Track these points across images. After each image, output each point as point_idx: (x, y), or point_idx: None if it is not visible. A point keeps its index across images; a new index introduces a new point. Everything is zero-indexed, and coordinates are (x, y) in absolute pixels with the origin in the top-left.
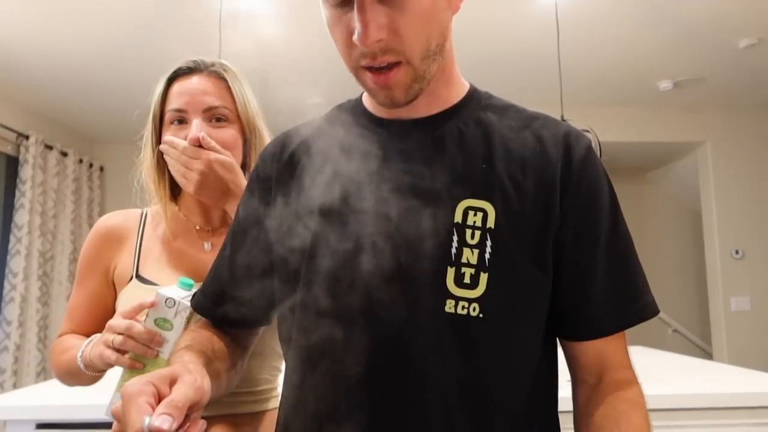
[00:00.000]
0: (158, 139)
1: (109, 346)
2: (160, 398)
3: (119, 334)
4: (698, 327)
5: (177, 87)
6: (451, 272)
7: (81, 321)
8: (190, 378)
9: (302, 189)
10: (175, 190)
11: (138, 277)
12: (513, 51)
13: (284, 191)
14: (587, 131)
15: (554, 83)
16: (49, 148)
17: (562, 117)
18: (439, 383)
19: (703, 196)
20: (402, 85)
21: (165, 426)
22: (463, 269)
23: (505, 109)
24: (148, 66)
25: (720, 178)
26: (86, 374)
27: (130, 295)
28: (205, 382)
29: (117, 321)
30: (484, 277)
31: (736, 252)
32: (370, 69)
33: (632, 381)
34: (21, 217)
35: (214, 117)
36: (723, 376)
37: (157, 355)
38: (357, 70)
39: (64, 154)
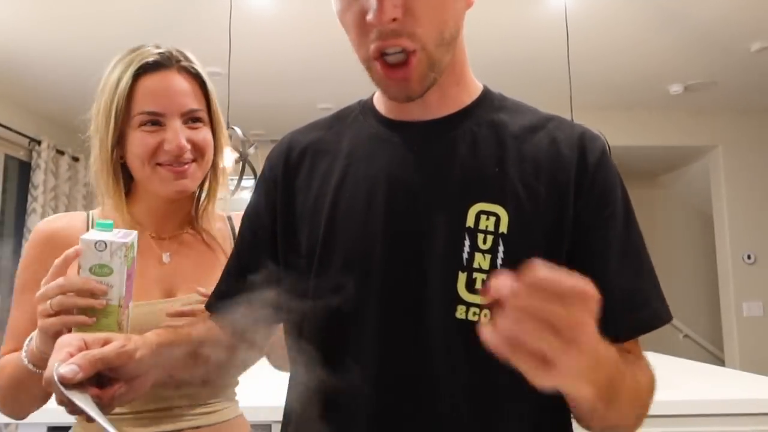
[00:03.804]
0: (119, 139)
1: (48, 315)
2: None
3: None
4: (710, 332)
5: (149, 84)
6: (462, 277)
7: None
8: (118, 343)
9: (310, 191)
10: (127, 195)
11: None
12: (522, 54)
13: (292, 193)
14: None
15: (564, 87)
16: (61, 153)
17: (572, 121)
18: (449, 390)
19: (714, 201)
20: (418, 74)
21: (69, 375)
22: (475, 274)
23: (519, 110)
24: None
25: (732, 182)
26: (37, 375)
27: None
28: (140, 352)
29: (45, 287)
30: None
31: (748, 256)
32: (383, 59)
33: (646, 365)
34: (33, 221)
35: (190, 119)
36: (735, 382)
37: (106, 304)
38: (368, 61)
39: (76, 159)
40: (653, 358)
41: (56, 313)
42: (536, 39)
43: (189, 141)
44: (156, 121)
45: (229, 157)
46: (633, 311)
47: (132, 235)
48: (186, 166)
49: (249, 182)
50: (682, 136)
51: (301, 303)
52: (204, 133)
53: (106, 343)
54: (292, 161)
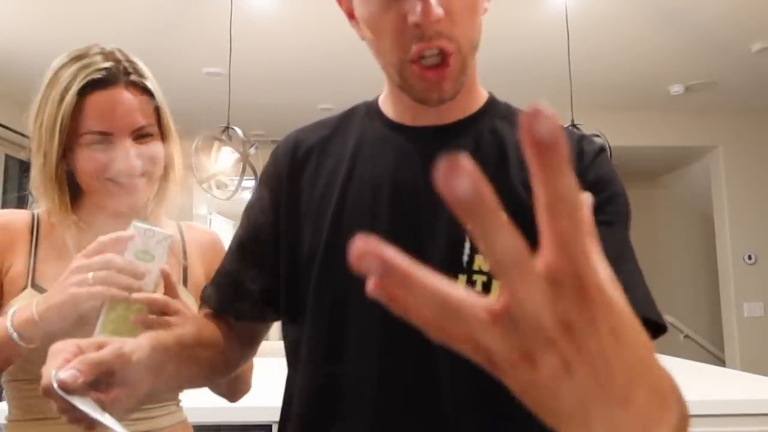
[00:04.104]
0: (63, 153)
1: (85, 285)
2: None
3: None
4: (710, 333)
5: (96, 103)
6: (462, 279)
7: None
8: (115, 345)
9: (315, 190)
10: (74, 197)
11: (34, 286)
12: (523, 55)
13: (296, 191)
14: (597, 136)
15: (564, 87)
16: None
17: (573, 121)
18: (451, 390)
19: (715, 201)
20: (452, 75)
21: (70, 379)
22: (475, 276)
23: None
24: (159, 71)
25: (732, 183)
26: (18, 347)
27: (23, 306)
28: (137, 354)
29: (89, 259)
30: (496, 285)
31: (749, 257)
32: (421, 62)
33: None
34: None
35: (140, 135)
36: (736, 383)
37: (141, 289)
38: (403, 64)
39: None
40: None
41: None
42: (537, 39)
43: (139, 156)
44: (105, 141)
45: (228, 158)
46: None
47: (170, 234)
48: (136, 182)
49: (249, 183)
50: (682, 136)
51: (302, 302)
52: (154, 147)
53: (101, 347)
54: (298, 159)
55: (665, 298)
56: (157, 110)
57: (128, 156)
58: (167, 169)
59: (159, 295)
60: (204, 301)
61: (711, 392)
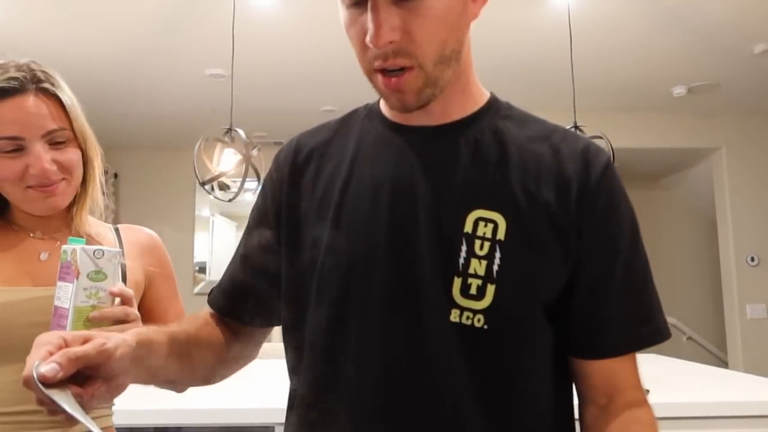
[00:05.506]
0: None
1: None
2: None
3: None
4: (713, 334)
5: (4, 111)
6: (457, 282)
7: None
8: (98, 341)
9: (315, 193)
10: (5, 203)
11: None
12: (525, 57)
13: (297, 194)
14: (600, 137)
15: (567, 89)
16: None
17: (575, 123)
18: (450, 392)
19: (717, 203)
20: (413, 89)
21: (50, 374)
22: (470, 280)
23: (525, 120)
24: (161, 72)
25: (735, 185)
26: None
27: None
28: (120, 350)
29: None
30: (491, 289)
31: (752, 259)
32: (382, 72)
33: (644, 402)
34: None
35: (54, 140)
36: (738, 385)
37: (93, 307)
38: (370, 73)
39: None
40: (656, 360)
41: None
42: (539, 41)
43: (55, 162)
44: (18, 146)
45: (231, 159)
46: (634, 326)
47: (119, 250)
48: (55, 186)
49: (252, 184)
50: (685, 138)
51: (303, 305)
52: (70, 153)
53: (85, 341)
54: (298, 163)
55: (668, 300)
56: (70, 118)
57: (41, 159)
58: (87, 174)
59: (116, 307)
60: (210, 303)
61: (713, 394)
